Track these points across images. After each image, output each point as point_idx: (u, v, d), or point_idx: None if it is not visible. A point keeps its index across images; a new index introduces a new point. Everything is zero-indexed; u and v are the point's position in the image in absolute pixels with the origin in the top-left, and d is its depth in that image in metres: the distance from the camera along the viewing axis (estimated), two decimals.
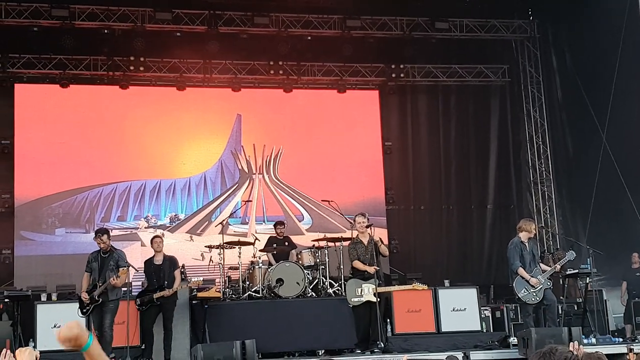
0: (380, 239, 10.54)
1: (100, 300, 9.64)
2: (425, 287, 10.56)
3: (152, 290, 10.38)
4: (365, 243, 10.22)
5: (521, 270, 10.18)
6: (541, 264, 10.65)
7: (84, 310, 9.65)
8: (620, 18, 13.69)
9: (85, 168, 15.23)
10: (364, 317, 10.10)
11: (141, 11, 15.07)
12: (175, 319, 10.42)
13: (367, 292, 9.94)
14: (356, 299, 10.03)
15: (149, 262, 10.66)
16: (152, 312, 10.33)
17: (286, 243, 12.80)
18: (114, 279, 9.54)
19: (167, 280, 10.38)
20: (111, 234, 14.18)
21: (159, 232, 15.04)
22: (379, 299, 9.89)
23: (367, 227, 10.23)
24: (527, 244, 10.37)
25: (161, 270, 10.45)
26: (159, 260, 10.56)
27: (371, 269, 9.97)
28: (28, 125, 15.11)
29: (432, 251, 16.67)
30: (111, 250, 9.83)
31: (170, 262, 10.59)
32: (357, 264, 10.14)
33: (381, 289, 10.09)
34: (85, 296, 9.61)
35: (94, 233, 10.20)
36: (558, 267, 10.76)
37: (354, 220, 10.43)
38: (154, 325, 10.35)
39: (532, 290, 10.13)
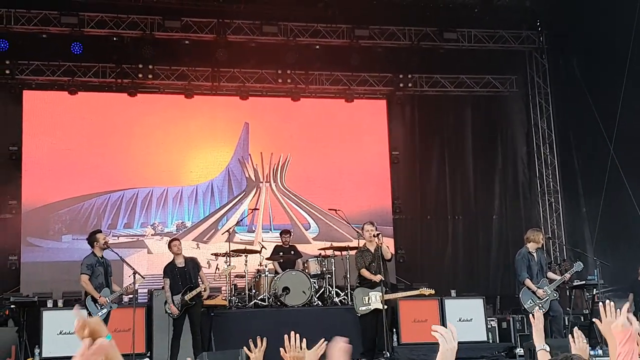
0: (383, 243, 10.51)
1: (117, 305, 9.70)
2: (433, 291, 10.55)
3: (178, 293, 10.26)
4: (373, 251, 10.24)
5: (528, 282, 10.16)
6: (549, 273, 10.60)
7: (99, 314, 9.46)
8: (629, 30, 13.68)
9: (92, 175, 15.26)
10: (371, 326, 10.09)
11: (150, 19, 15.12)
12: (178, 327, 10.40)
13: (375, 300, 9.94)
14: (364, 308, 10.03)
15: (171, 266, 10.50)
16: (183, 317, 10.25)
17: (292, 252, 12.81)
18: (129, 288, 9.70)
19: (195, 282, 10.36)
20: (118, 241, 14.28)
21: (165, 239, 15.07)
22: (386, 307, 9.88)
23: (375, 236, 10.23)
24: (534, 255, 10.34)
25: (186, 272, 10.41)
26: (181, 262, 10.50)
27: (377, 278, 9.97)
28: (36, 131, 15.15)
29: (438, 261, 16.62)
30: (102, 253, 9.79)
31: (193, 262, 10.60)
32: (365, 272, 10.14)
33: (389, 296, 10.08)
34: (104, 300, 9.49)
35: (90, 237, 9.90)
36: (568, 276, 10.72)
37: (362, 228, 10.44)
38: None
39: (538, 301, 10.10)
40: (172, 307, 10.16)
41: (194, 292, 10.19)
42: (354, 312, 10.31)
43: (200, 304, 10.38)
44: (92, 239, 9.77)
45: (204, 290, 10.37)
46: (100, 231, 10.14)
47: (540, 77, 17.21)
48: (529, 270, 10.24)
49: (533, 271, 10.26)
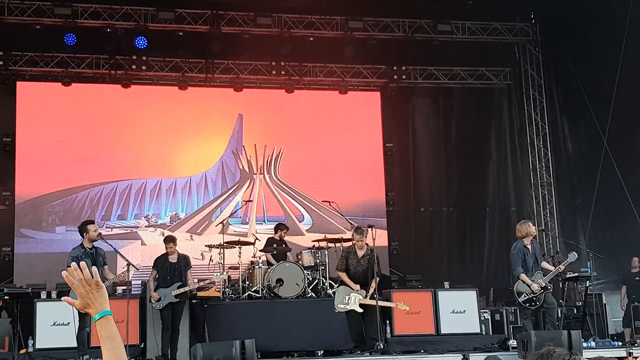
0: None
1: None
2: (407, 308, 10.39)
3: (166, 287, 10.40)
4: (359, 256, 10.20)
5: (523, 277, 10.17)
6: (543, 263, 10.63)
7: None
8: (623, 21, 13.70)
9: (86, 166, 15.24)
10: (357, 321, 10.14)
11: (144, 10, 15.09)
12: (167, 319, 10.46)
13: (354, 302, 10.02)
14: (342, 306, 10.10)
15: (162, 259, 10.65)
16: (169, 310, 10.37)
17: (283, 244, 12.83)
18: (121, 276, 9.71)
19: (184, 279, 10.46)
20: (111, 232, 14.23)
21: (159, 231, 15.08)
22: (362, 311, 9.93)
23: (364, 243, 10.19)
24: (529, 247, 10.35)
25: (177, 269, 10.54)
26: (173, 258, 10.62)
27: (355, 286, 10.02)
28: (30, 123, 15.11)
29: (432, 253, 16.66)
30: (92, 244, 9.78)
31: (185, 260, 10.69)
32: (343, 276, 10.18)
33: (366, 301, 10.03)
34: None
35: (81, 226, 9.82)
36: (562, 267, 10.76)
37: (352, 235, 10.42)
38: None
39: (532, 295, 10.13)
40: (152, 292, 10.29)
41: (182, 290, 10.33)
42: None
43: (184, 302, 10.51)
44: (82, 229, 9.75)
45: (194, 290, 10.55)
46: (93, 222, 10.12)
47: (533, 69, 17.22)
48: (524, 264, 10.25)
49: (528, 264, 10.27)
